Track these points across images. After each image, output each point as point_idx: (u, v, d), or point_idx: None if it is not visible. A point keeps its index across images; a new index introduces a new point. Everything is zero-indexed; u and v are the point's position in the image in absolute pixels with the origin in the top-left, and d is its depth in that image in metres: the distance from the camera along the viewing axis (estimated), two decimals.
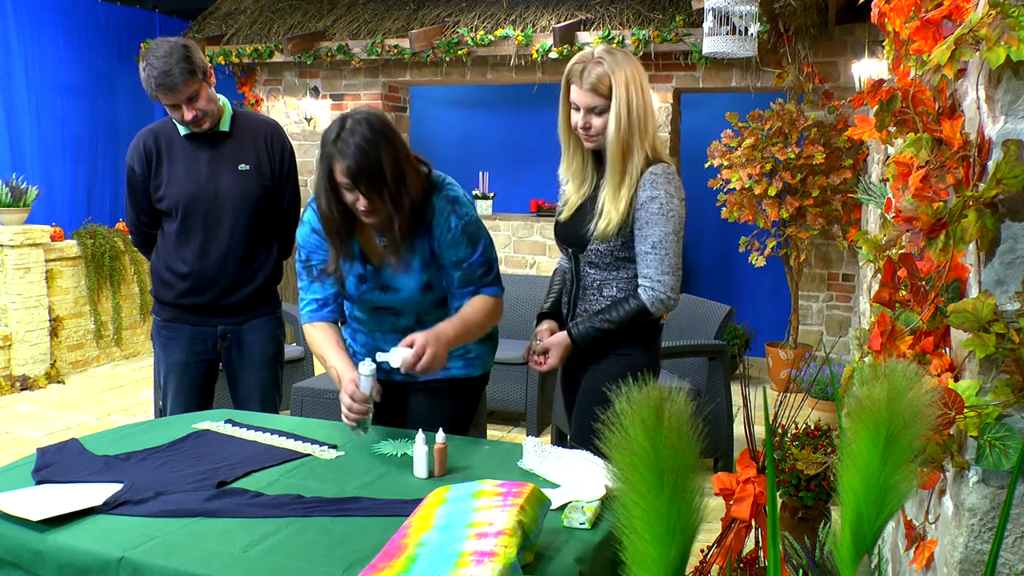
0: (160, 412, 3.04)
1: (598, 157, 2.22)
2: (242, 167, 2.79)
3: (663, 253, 2.12)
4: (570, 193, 2.28)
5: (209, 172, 2.77)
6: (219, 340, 2.87)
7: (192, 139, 2.78)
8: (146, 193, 2.81)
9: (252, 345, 2.88)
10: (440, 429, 1.98)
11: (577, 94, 2.12)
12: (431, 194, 2.15)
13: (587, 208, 2.22)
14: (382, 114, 2.07)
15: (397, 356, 2.03)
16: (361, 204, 2.02)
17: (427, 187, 2.14)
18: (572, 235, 2.26)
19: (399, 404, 2.41)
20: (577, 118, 2.14)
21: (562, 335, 2.23)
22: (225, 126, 2.79)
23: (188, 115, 2.67)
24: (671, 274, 2.13)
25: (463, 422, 2.38)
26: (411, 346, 2.04)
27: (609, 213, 2.14)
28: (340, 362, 2.14)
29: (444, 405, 2.33)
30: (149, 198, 2.81)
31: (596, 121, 2.12)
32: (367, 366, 2.03)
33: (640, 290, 2.15)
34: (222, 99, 2.81)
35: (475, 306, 2.20)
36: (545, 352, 2.25)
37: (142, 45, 7.00)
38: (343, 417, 2.06)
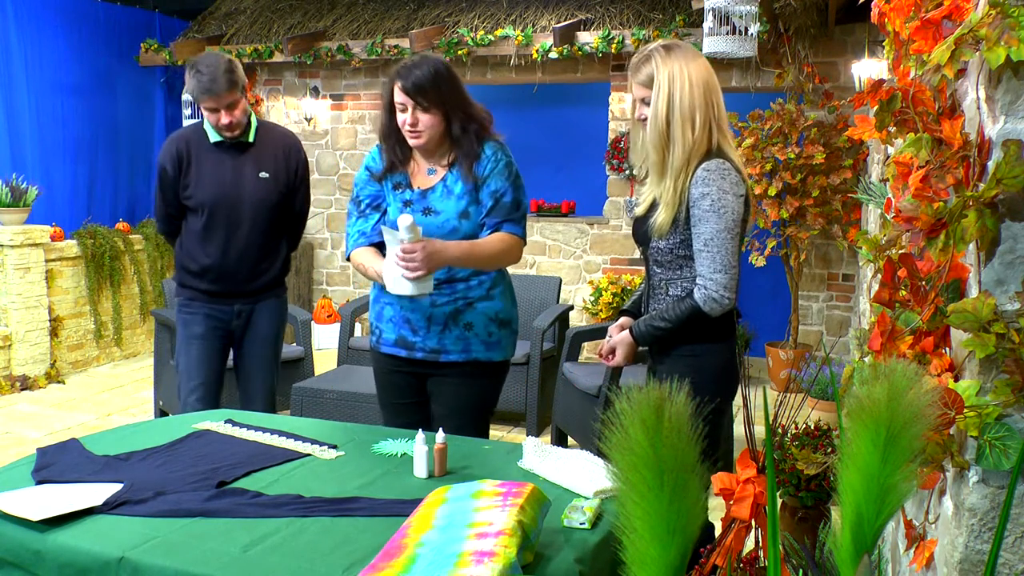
0: (179, 383, 3.24)
1: None
2: (263, 175, 3.12)
3: (715, 250, 2.11)
4: (648, 185, 2.31)
5: (233, 178, 3.09)
6: (234, 318, 3.21)
7: (220, 146, 3.10)
8: (175, 191, 3.13)
9: (261, 322, 3.23)
10: (440, 429, 1.98)
11: (632, 87, 2.22)
12: (485, 139, 2.41)
13: (657, 204, 2.24)
14: (446, 62, 2.39)
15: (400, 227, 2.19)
16: (410, 121, 2.30)
17: (487, 130, 2.41)
18: (639, 231, 2.30)
19: (420, 387, 2.48)
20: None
21: (625, 334, 2.27)
22: (250, 137, 3.12)
23: (225, 120, 3.00)
24: (724, 272, 2.12)
25: (484, 407, 2.46)
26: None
27: (661, 207, 2.17)
28: (379, 264, 2.37)
29: (465, 388, 2.41)
30: (177, 195, 3.13)
31: (648, 112, 2.17)
32: (405, 219, 2.19)
33: (695, 289, 2.15)
34: (251, 112, 3.17)
35: (489, 238, 2.38)
36: (613, 350, 2.30)
37: (142, 45, 6.99)
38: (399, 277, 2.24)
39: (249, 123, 3.12)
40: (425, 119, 2.30)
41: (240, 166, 3.10)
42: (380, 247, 2.44)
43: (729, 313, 2.20)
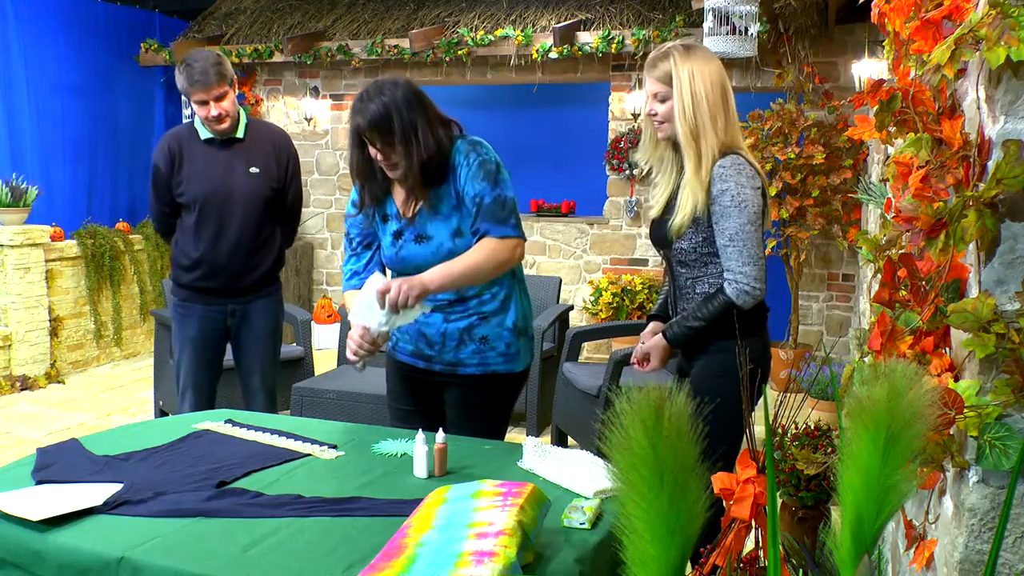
0: (176, 382, 3.34)
1: (677, 149, 2.27)
2: (253, 170, 3.18)
3: (741, 244, 2.13)
4: (659, 186, 2.35)
5: (224, 172, 3.15)
6: (228, 317, 3.26)
7: (211, 143, 3.16)
8: (168, 189, 3.19)
9: (256, 320, 3.29)
10: (440, 429, 1.98)
11: (646, 82, 2.26)
12: (456, 142, 2.29)
13: (672, 205, 2.26)
14: (407, 81, 2.25)
15: (374, 289, 2.17)
16: (379, 157, 2.23)
17: (453, 142, 2.28)
18: (658, 235, 2.31)
19: (437, 397, 2.45)
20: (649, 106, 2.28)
21: (659, 338, 2.28)
22: (240, 133, 3.18)
23: (215, 111, 3.05)
24: (753, 264, 2.14)
25: (501, 416, 2.43)
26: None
27: (684, 204, 2.18)
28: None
29: (481, 399, 2.37)
30: (171, 193, 3.19)
31: (660, 108, 2.21)
32: (376, 280, 2.20)
33: (725, 284, 2.17)
34: (240, 110, 3.21)
35: (473, 249, 2.23)
36: (647, 356, 2.31)
37: (142, 45, 6.99)
38: (348, 353, 2.26)
39: (239, 120, 3.18)
40: (393, 155, 2.20)
41: (230, 161, 3.15)
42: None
43: (760, 305, 2.22)
